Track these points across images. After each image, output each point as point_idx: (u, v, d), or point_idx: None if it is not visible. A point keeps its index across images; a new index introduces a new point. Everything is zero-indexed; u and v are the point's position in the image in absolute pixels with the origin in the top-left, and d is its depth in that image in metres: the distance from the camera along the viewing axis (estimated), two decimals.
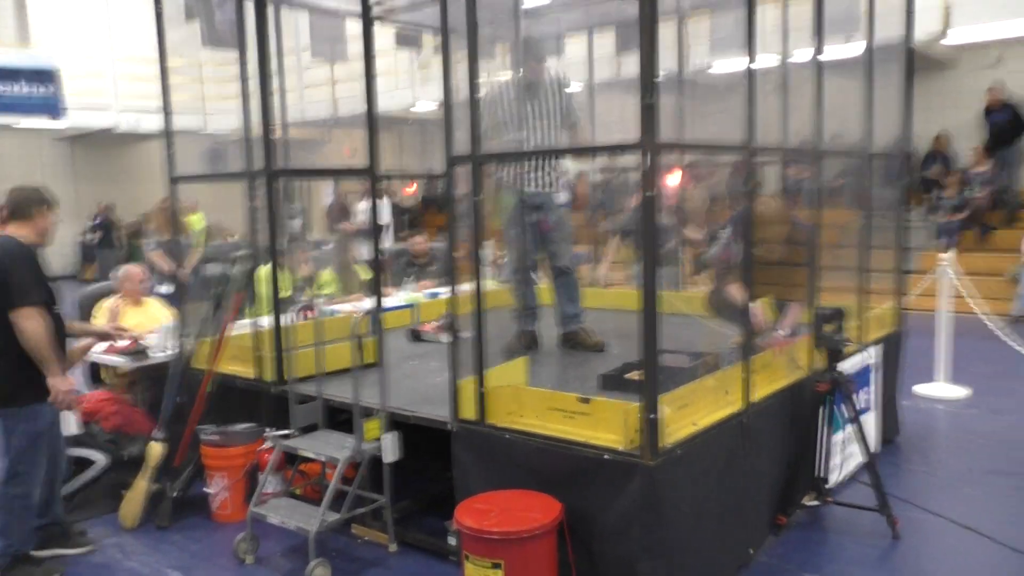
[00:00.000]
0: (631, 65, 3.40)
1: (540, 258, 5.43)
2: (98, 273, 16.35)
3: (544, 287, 5.74)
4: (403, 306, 6.48)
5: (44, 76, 15.49)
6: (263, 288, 5.30)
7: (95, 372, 5.81)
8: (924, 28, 10.05)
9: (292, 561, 4.03)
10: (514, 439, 3.59)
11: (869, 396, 5.10)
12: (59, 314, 3.99)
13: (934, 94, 12.31)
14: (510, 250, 5.33)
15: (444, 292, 6.71)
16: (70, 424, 4.55)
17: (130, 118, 16.65)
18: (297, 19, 6.58)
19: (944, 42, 10.73)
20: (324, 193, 14.72)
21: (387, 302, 6.06)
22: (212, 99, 13.16)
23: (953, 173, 11.49)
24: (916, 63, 5.93)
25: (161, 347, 5.21)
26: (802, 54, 4.81)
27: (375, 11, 5.41)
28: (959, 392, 6.59)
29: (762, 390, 4.04)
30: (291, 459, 4.32)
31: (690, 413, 3.56)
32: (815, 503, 4.31)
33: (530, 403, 3.63)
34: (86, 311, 5.95)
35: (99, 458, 4.85)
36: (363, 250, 9.01)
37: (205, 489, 4.56)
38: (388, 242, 10.68)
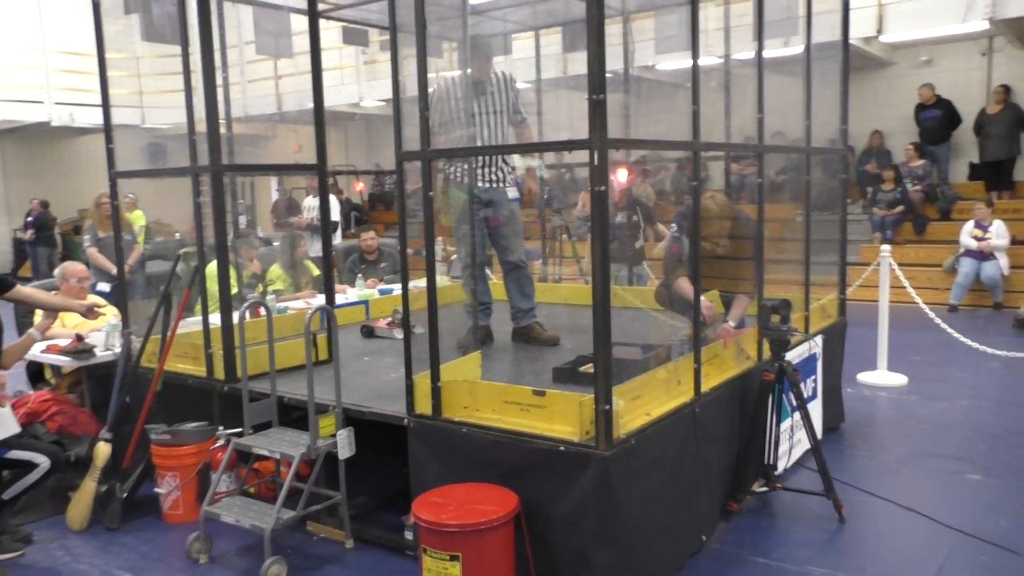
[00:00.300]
0: (578, 63, 3.43)
1: (491, 253, 5.46)
2: (33, 271, 15.89)
3: (497, 282, 5.76)
4: (356, 303, 6.45)
5: None
6: (212, 285, 5.23)
7: (39, 372, 5.66)
8: (860, 29, 10.38)
9: (247, 560, 3.99)
10: (470, 433, 3.60)
11: (815, 384, 5.25)
12: None
13: (869, 93, 12.70)
14: (460, 246, 5.35)
15: (396, 288, 6.70)
16: (9, 425, 4.42)
17: (64, 112, 16.18)
18: (240, 13, 6.48)
19: (883, 38, 11.07)
20: (269, 190, 14.53)
21: (339, 299, 6.02)
22: (150, 94, 12.87)
23: (889, 169, 11.87)
24: (853, 62, 6.11)
25: (105, 346, 5.11)
26: (744, 53, 4.93)
27: (321, 7, 5.38)
28: (899, 380, 6.81)
29: (712, 380, 4.14)
30: (244, 457, 4.27)
31: (643, 404, 3.61)
32: (764, 489, 4.42)
33: (485, 397, 3.64)
34: (25, 308, 5.78)
35: (42, 460, 4.72)
36: (312, 246, 8.91)
37: (156, 490, 4.48)
38: (337, 239, 10.59)
